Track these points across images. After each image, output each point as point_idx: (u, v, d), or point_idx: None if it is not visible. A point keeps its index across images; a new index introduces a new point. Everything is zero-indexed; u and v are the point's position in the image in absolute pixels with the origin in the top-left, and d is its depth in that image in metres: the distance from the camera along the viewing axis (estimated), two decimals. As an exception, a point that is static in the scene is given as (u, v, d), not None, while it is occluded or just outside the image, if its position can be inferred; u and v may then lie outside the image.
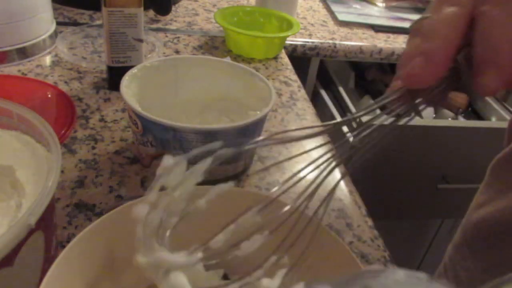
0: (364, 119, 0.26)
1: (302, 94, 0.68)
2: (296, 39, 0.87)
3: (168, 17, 0.85)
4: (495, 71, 0.24)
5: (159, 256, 0.24)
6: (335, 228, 0.45)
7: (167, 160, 0.24)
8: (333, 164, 0.26)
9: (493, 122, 0.99)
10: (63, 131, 0.50)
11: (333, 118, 0.92)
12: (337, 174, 0.52)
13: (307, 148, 0.55)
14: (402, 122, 0.26)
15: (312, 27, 0.94)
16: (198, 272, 0.32)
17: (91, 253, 0.29)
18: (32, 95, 0.57)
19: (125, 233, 0.30)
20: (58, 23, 0.73)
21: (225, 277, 0.34)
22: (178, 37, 0.78)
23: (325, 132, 0.27)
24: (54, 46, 0.68)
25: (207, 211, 0.28)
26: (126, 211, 0.31)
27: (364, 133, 0.25)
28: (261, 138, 0.27)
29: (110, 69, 0.58)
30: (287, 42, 0.85)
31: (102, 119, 0.54)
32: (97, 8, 0.82)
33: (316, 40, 0.88)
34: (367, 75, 1.10)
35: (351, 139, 0.26)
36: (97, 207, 0.42)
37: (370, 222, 0.46)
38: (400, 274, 0.17)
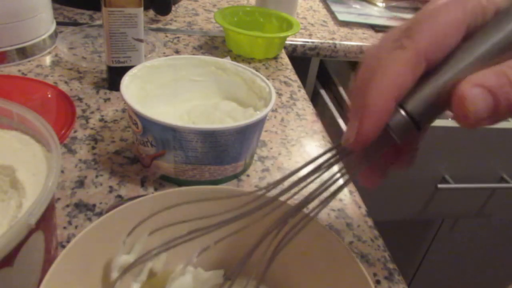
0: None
1: (302, 94, 0.68)
2: (296, 39, 0.87)
3: (168, 17, 0.85)
4: (355, 126, 0.22)
5: None
6: (335, 228, 0.45)
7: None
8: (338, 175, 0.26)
9: (493, 122, 0.99)
10: (63, 131, 0.50)
11: (333, 118, 0.92)
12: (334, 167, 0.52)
13: (307, 148, 0.55)
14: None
15: (312, 27, 0.94)
16: (199, 273, 0.32)
17: (91, 253, 0.29)
18: (32, 95, 0.57)
19: (125, 233, 0.30)
20: (58, 23, 0.73)
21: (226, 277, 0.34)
22: (178, 37, 0.78)
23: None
24: (54, 46, 0.68)
25: (206, 211, 0.28)
26: (126, 211, 0.31)
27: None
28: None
29: (110, 69, 0.58)
30: (287, 42, 0.85)
31: (102, 119, 0.54)
32: (97, 8, 0.82)
33: (316, 40, 0.88)
34: (367, 75, 1.10)
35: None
36: (97, 207, 0.42)
37: (370, 222, 0.46)
38: None
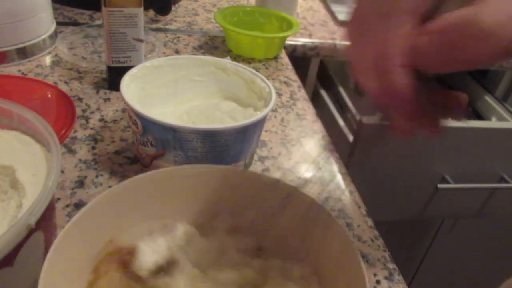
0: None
1: (302, 94, 0.68)
2: (296, 39, 0.87)
3: (168, 17, 0.85)
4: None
5: None
6: (335, 228, 0.45)
7: None
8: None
9: (493, 122, 0.99)
10: (63, 131, 0.50)
11: (333, 118, 0.92)
12: (334, 167, 0.52)
13: (307, 148, 0.55)
14: None
15: (312, 27, 0.94)
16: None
17: (87, 235, 0.29)
18: (32, 95, 0.57)
19: (118, 214, 0.31)
20: (58, 23, 0.73)
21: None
22: (178, 37, 0.78)
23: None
24: (54, 46, 0.68)
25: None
26: (117, 192, 0.31)
27: None
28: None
29: (110, 69, 0.58)
30: (287, 42, 0.85)
31: (102, 119, 0.54)
32: (97, 8, 0.82)
33: (316, 40, 0.88)
34: (367, 75, 1.10)
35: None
36: (97, 207, 0.42)
37: (370, 222, 0.46)
38: None
